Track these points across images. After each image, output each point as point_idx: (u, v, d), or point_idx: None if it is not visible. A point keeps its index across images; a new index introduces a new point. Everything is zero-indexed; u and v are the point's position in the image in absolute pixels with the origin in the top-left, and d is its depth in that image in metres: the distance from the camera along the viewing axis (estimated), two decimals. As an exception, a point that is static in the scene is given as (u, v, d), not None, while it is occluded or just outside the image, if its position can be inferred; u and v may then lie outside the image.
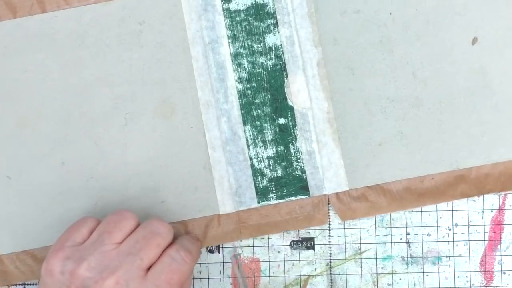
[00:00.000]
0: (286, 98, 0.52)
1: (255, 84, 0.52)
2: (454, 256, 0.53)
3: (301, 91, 0.52)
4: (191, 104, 0.52)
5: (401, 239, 0.53)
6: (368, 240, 0.53)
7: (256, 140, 0.52)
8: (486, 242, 0.53)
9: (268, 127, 0.52)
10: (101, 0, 0.52)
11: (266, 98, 0.52)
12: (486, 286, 0.53)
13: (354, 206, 0.52)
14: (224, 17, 0.52)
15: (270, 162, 0.52)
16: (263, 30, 0.52)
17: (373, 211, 0.52)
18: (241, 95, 0.52)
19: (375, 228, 0.53)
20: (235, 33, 0.52)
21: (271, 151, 0.52)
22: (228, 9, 0.52)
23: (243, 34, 0.52)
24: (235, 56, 0.52)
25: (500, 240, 0.53)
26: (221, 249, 0.53)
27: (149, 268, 0.46)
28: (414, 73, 0.52)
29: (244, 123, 0.52)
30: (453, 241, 0.53)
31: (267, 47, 0.52)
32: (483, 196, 0.53)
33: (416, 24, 0.52)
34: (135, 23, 0.52)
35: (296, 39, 0.52)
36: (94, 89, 0.52)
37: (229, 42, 0.52)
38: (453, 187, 0.52)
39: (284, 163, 0.52)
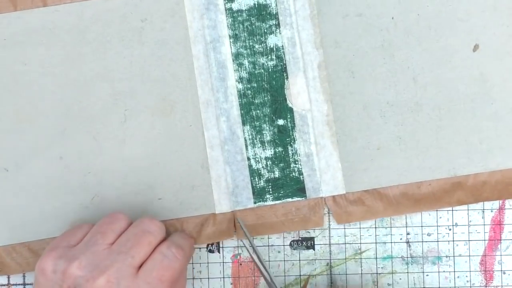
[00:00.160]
0: (286, 100, 0.52)
1: (255, 85, 0.52)
2: (454, 256, 0.53)
3: (301, 93, 0.52)
4: (191, 102, 0.52)
5: (401, 239, 0.53)
6: (368, 240, 0.53)
7: (255, 141, 0.52)
8: (486, 242, 0.53)
9: (267, 128, 0.52)
10: (103, -4, 0.52)
11: (266, 98, 0.52)
12: (486, 286, 0.53)
13: (350, 209, 0.53)
14: (226, 16, 0.52)
15: (268, 163, 0.53)
16: (265, 30, 0.52)
17: (369, 215, 0.52)
18: (241, 95, 0.52)
19: (375, 228, 0.53)
20: (237, 33, 0.52)
21: (269, 152, 0.53)
22: (231, 8, 0.52)
23: (245, 34, 0.52)
24: (236, 56, 0.52)
25: (500, 240, 0.53)
26: (221, 249, 0.53)
27: (141, 266, 0.46)
28: (414, 78, 0.52)
29: (243, 123, 0.52)
30: (453, 241, 0.53)
31: (268, 48, 0.52)
32: (483, 196, 0.53)
33: (417, 29, 0.52)
34: (137, 20, 0.52)
35: (297, 40, 0.52)
36: (94, 84, 0.52)
37: (230, 41, 0.52)
38: (450, 194, 0.52)
39: (281, 165, 0.53)
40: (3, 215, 0.52)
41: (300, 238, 0.54)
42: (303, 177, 0.52)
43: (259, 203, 0.53)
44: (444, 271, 0.53)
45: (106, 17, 0.52)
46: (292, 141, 0.52)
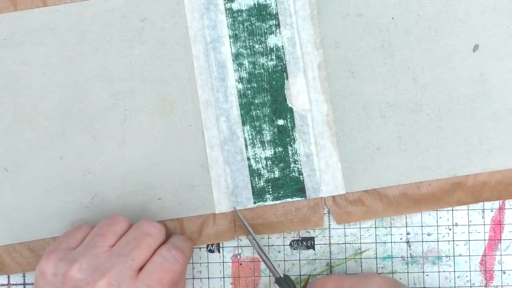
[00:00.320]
0: (285, 100, 0.52)
1: (255, 85, 0.52)
2: (454, 256, 0.53)
3: (301, 93, 0.52)
4: (191, 102, 0.52)
5: (401, 238, 0.53)
6: (368, 240, 0.53)
7: (255, 141, 0.52)
8: (486, 241, 0.53)
9: (267, 128, 0.52)
10: (103, -4, 0.52)
11: (266, 99, 0.52)
12: (486, 286, 0.53)
13: (350, 209, 0.53)
14: (226, 16, 0.52)
15: (268, 163, 0.53)
16: (265, 30, 0.52)
17: (369, 216, 0.53)
18: (241, 95, 0.52)
19: (375, 227, 0.53)
20: (237, 33, 0.52)
21: (269, 152, 0.53)
22: (231, 8, 0.52)
23: (245, 34, 0.52)
24: (236, 56, 0.52)
25: (500, 239, 0.53)
26: (221, 249, 0.54)
27: (141, 269, 0.47)
28: (414, 78, 0.52)
29: (243, 123, 0.52)
30: (453, 240, 0.53)
31: (268, 48, 0.52)
32: (483, 196, 0.53)
33: (418, 30, 0.52)
34: (137, 20, 0.52)
35: (297, 40, 0.52)
36: (94, 84, 0.52)
37: (230, 41, 0.52)
38: (450, 194, 0.52)
39: (281, 165, 0.53)
40: (3, 215, 0.52)
41: (300, 238, 0.54)
42: (303, 177, 0.52)
43: (259, 203, 0.53)
44: (444, 271, 0.53)
45: (106, 17, 0.52)
46: (292, 141, 0.52)
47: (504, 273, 0.53)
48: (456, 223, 0.53)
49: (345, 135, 0.52)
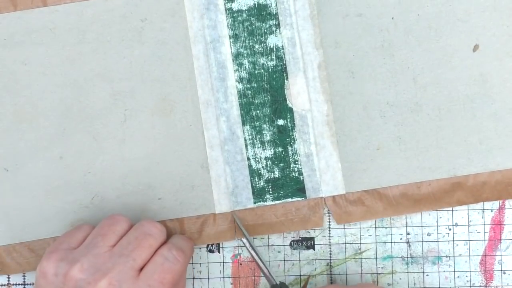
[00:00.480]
0: (285, 100, 0.52)
1: (255, 85, 0.52)
2: (454, 256, 0.53)
3: (301, 93, 0.52)
4: (191, 102, 0.52)
5: (401, 239, 0.53)
6: (368, 240, 0.53)
7: (255, 141, 0.52)
8: (486, 241, 0.53)
9: (267, 128, 0.52)
10: (103, -4, 0.52)
11: (266, 99, 0.52)
12: (486, 286, 0.53)
13: (350, 209, 0.53)
14: (226, 16, 0.52)
15: (268, 163, 0.53)
16: (265, 30, 0.52)
17: (369, 216, 0.53)
18: (241, 95, 0.52)
19: (375, 227, 0.53)
20: (237, 33, 0.52)
21: (269, 152, 0.53)
22: (231, 8, 0.52)
23: (245, 34, 0.52)
24: (236, 56, 0.52)
25: (500, 239, 0.53)
26: (221, 249, 0.54)
27: (142, 269, 0.47)
28: (414, 78, 0.52)
29: (243, 123, 0.52)
30: (453, 240, 0.53)
31: (268, 48, 0.52)
32: (483, 196, 0.53)
33: (418, 30, 0.52)
34: (137, 20, 0.52)
35: (297, 40, 0.52)
36: (94, 84, 0.52)
37: (230, 41, 0.52)
38: (450, 194, 0.52)
39: (281, 165, 0.53)
40: (3, 215, 0.52)
41: (300, 238, 0.54)
42: (303, 177, 0.52)
43: (259, 203, 0.53)
44: (444, 271, 0.53)
45: (106, 17, 0.52)
46: (292, 141, 0.52)
47: (504, 273, 0.53)
48: (456, 223, 0.53)
49: (345, 135, 0.52)
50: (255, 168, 0.52)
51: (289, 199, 0.53)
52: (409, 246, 0.53)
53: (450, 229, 0.53)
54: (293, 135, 0.52)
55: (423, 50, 0.52)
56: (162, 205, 0.53)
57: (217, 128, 0.52)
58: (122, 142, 0.52)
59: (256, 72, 0.52)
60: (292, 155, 0.52)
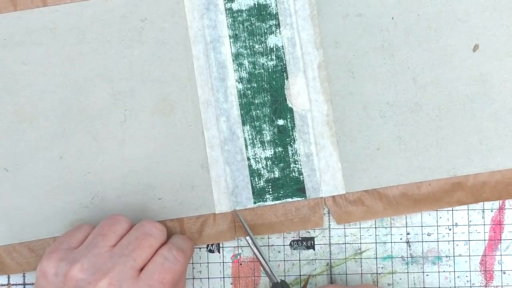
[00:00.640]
0: (285, 100, 0.52)
1: (255, 85, 0.52)
2: (454, 256, 0.53)
3: (301, 93, 0.52)
4: (191, 102, 0.52)
5: (401, 239, 0.53)
6: (368, 240, 0.53)
7: (255, 141, 0.52)
8: (486, 242, 0.53)
9: (267, 128, 0.52)
10: (103, -4, 0.52)
11: (266, 99, 0.52)
12: (486, 286, 0.53)
13: (350, 209, 0.53)
14: (226, 16, 0.52)
15: (268, 163, 0.53)
16: (265, 30, 0.52)
17: (369, 216, 0.53)
18: (241, 95, 0.52)
19: (375, 227, 0.53)
20: (237, 33, 0.52)
21: (269, 152, 0.53)
22: (231, 8, 0.52)
23: (245, 34, 0.52)
24: (236, 56, 0.52)
25: (500, 239, 0.53)
26: (221, 249, 0.54)
27: (142, 269, 0.47)
28: (414, 78, 0.52)
29: (243, 123, 0.52)
30: (453, 240, 0.53)
31: (268, 48, 0.52)
32: (483, 196, 0.53)
33: (418, 30, 0.52)
34: (137, 20, 0.52)
35: (297, 40, 0.52)
36: (94, 84, 0.52)
37: (230, 41, 0.52)
38: (450, 194, 0.52)
39: (281, 165, 0.53)
40: (3, 215, 0.52)
41: (300, 238, 0.54)
42: (303, 177, 0.52)
43: (259, 203, 0.53)
44: (444, 271, 0.53)
45: (106, 17, 0.52)
46: (292, 141, 0.52)
47: (504, 273, 0.53)
48: (456, 223, 0.53)
49: (345, 135, 0.52)
50: (255, 168, 0.53)
51: (289, 199, 0.53)
52: (409, 246, 0.53)
53: (450, 229, 0.53)
54: (293, 135, 0.52)
55: (423, 50, 0.52)
56: (162, 205, 0.53)
57: (217, 128, 0.52)
58: (122, 142, 0.52)
59: (256, 72, 0.52)
60: (292, 155, 0.52)
